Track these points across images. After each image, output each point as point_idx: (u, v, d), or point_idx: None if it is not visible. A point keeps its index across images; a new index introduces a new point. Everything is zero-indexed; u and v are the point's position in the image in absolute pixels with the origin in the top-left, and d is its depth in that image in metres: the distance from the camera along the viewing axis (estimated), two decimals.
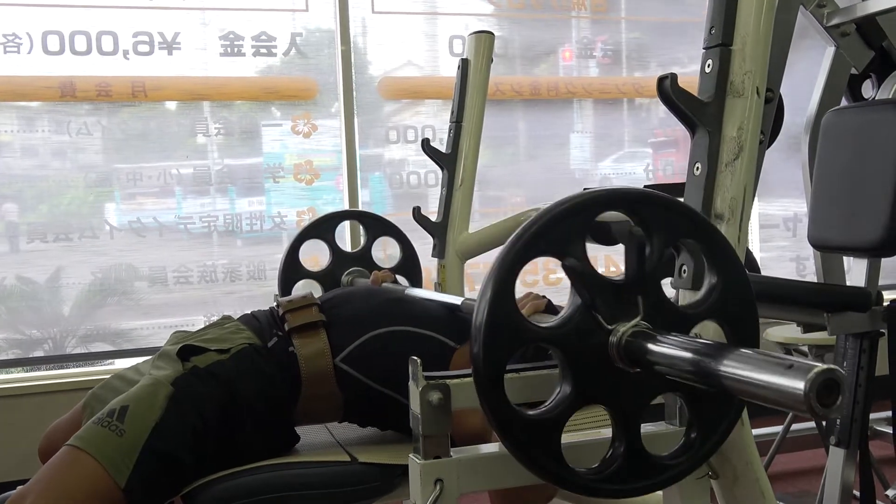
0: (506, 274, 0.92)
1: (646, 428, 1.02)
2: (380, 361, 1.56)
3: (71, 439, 1.42)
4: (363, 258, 2.37)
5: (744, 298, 0.99)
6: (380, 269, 2.23)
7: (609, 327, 0.95)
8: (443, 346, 1.58)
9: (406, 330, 1.59)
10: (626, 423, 0.97)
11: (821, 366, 0.73)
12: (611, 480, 0.97)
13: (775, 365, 0.77)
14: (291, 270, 2.34)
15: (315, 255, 2.52)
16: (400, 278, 2.28)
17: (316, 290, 2.33)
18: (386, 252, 2.81)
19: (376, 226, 2.44)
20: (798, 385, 0.73)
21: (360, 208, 3.37)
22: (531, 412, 0.95)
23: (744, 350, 0.83)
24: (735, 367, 0.81)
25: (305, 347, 1.57)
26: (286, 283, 2.34)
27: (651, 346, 0.92)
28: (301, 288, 2.34)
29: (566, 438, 0.96)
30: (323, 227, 2.40)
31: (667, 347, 0.90)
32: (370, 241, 2.40)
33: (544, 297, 1.32)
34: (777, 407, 0.78)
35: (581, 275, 0.95)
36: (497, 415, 0.93)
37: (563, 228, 0.94)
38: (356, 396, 1.58)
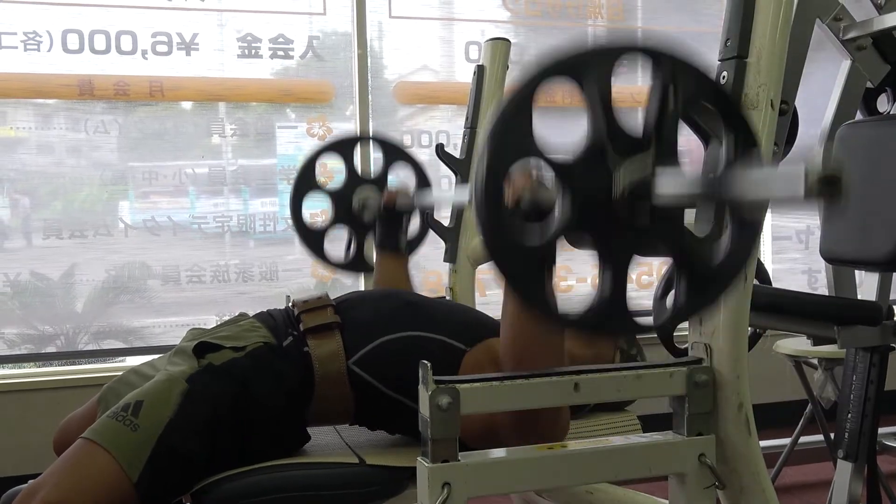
0: (525, 89, 0.97)
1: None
2: (391, 367, 1.57)
3: (85, 432, 1.43)
4: (378, 183, 2.33)
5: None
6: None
7: (617, 168, 0.97)
8: (453, 349, 1.58)
9: (417, 335, 1.59)
10: (614, 271, 0.98)
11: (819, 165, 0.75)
12: (586, 321, 0.98)
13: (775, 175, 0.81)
14: (305, 181, 2.31)
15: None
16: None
17: (323, 203, 2.34)
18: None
19: (393, 152, 2.39)
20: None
21: None
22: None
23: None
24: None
25: (320, 348, 1.58)
26: (298, 193, 2.31)
27: (657, 180, 0.95)
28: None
29: None
30: (343, 146, 2.37)
31: (670, 177, 0.95)
32: (386, 166, 2.36)
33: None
34: (784, 208, 0.84)
35: (600, 103, 0.99)
36: (490, 220, 0.95)
37: (588, 56, 1.01)
38: (367, 399, 1.58)
